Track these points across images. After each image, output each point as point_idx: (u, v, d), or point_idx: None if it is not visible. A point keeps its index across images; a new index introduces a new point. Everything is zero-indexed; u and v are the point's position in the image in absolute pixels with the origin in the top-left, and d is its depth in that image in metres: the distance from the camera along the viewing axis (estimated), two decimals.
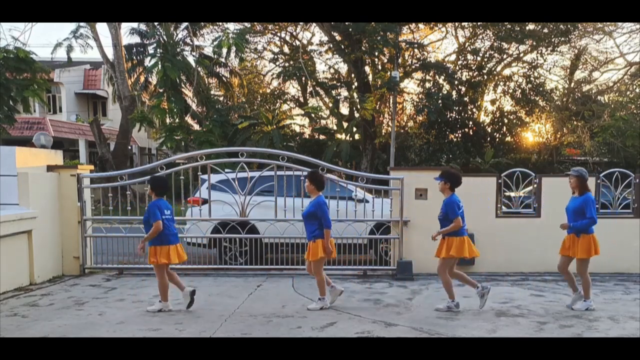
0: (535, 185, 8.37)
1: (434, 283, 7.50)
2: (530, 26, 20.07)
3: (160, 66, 17.79)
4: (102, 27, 42.44)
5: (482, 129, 22.24)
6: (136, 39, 21.65)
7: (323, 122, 22.68)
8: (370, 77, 21.96)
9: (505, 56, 22.04)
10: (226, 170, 8.70)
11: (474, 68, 21.98)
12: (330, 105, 21.82)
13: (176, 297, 6.60)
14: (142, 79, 22.17)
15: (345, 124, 20.73)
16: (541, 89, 21.68)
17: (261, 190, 8.17)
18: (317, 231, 6.03)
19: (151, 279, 7.70)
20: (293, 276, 7.89)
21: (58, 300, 6.42)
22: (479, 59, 21.76)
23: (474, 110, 22.19)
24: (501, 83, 22.60)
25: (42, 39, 58.12)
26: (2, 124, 15.51)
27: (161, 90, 18.56)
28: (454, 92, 21.22)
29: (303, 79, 21.06)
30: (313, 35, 23.74)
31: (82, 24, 19.82)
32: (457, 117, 21.51)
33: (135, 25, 21.27)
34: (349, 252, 8.21)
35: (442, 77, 20.73)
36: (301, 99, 24.25)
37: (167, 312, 5.88)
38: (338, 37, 20.56)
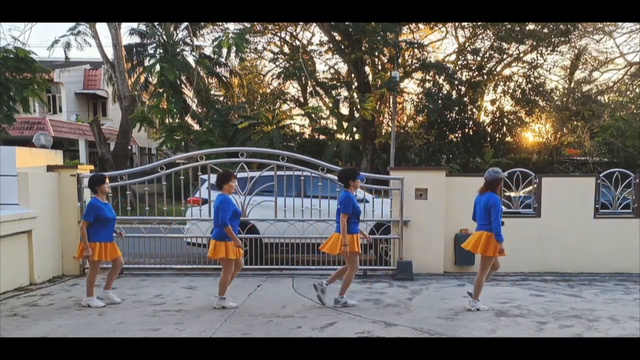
0: (535, 185, 8.37)
1: (433, 283, 7.50)
2: (530, 26, 20.06)
3: (158, 66, 17.79)
4: (102, 27, 42.51)
5: (482, 129, 22.23)
6: (136, 39, 21.68)
7: (323, 122, 22.68)
8: (370, 77, 21.96)
9: (505, 56, 22.04)
10: None
11: (474, 68, 21.97)
12: (330, 105, 21.82)
13: (176, 297, 6.62)
14: (142, 79, 22.16)
15: (345, 124, 20.73)
16: (541, 89, 21.66)
17: (261, 190, 8.17)
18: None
19: (151, 279, 7.72)
20: (293, 276, 7.89)
21: (58, 300, 6.42)
22: (479, 59, 21.76)
23: (474, 110, 22.18)
24: (501, 83, 22.59)
25: (42, 38, 58.14)
26: (1, 124, 15.50)
27: (160, 90, 18.56)
28: (454, 92, 21.21)
29: (303, 79, 21.06)
30: (313, 35, 23.79)
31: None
32: (457, 117, 21.51)
33: (135, 25, 21.30)
34: None
35: (442, 77, 20.72)
36: (301, 99, 24.25)
37: (166, 312, 5.88)
38: (338, 37, 20.56)
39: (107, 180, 6.34)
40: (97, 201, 6.12)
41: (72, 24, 19.91)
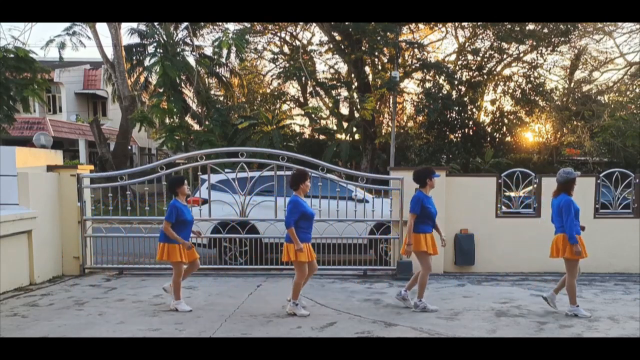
0: (535, 185, 8.37)
1: (433, 283, 7.50)
2: (530, 26, 20.05)
3: (160, 66, 17.79)
4: (102, 27, 42.46)
5: (482, 129, 22.22)
6: (136, 39, 21.68)
7: (323, 122, 22.68)
8: (370, 77, 21.95)
9: (505, 56, 22.02)
10: (226, 170, 8.71)
11: (474, 68, 21.95)
12: (330, 105, 21.82)
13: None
14: (142, 79, 22.15)
15: (345, 124, 20.73)
16: (541, 89, 21.64)
17: (261, 190, 8.17)
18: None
19: (151, 279, 7.71)
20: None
21: (58, 300, 6.42)
22: (479, 59, 21.74)
23: (474, 110, 22.15)
24: (501, 83, 22.58)
25: (42, 38, 58.09)
26: (1, 124, 15.51)
27: (161, 90, 18.56)
28: (454, 92, 21.21)
29: (303, 79, 21.06)
30: (313, 35, 23.78)
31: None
32: (457, 117, 21.49)
33: (135, 25, 21.29)
34: (349, 252, 8.20)
35: (442, 77, 20.72)
36: (301, 99, 24.25)
37: (166, 312, 5.88)
38: (338, 37, 20.56)
39: (186, 182, 6.23)
40: (178, 202, 5.97)
41: (67, 24, 19.86)
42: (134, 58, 21.69)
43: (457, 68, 21.91)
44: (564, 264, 8.19)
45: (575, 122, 21.06)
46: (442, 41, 24.12)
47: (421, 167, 6.56)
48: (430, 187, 6.10)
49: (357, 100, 20.48)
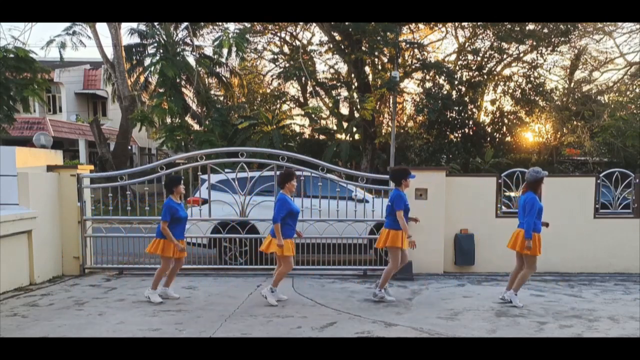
0: None
1: (433, 283, 7.50)
2: (530, 26, 20.07)
3: (158, 65, 17.80)
4: (102, 27, 42.51)
5: (482, 129, 22.22)
6: (136, 39, 21.68)
7: (323, 122, 22.69)
8: (370, 77, 21.96)
9: (505, 56, 22.03)
10: (226, 170, 8.71)
11: (474, 68, 21.97)
12: (330, 105, 21.83)
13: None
14: (142, 79, 22.15)
15: (345, 124, 20.74)
16: (541, 89, 21.65)
17: (261, 190, 8.18)
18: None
19: (151, 279, 7.67)
20: (293, 276, 7.88)
21: (58, 300, 6.42)
22: (479, 59, 21.76)
23: (474, 110, 22.17)
24: (501, 83, 22.59)
25: (42, 38, 58.07)
26: (2, 124, 15.51)
27: (161, 90, 18.57)
28: (454, 92, 21.21)
29: (303, 79, 21.07)
30: (313, 35, 23.82)
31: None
32: (457, 117, 21.50)
33: (135, 25, 21.30)
34: (349, 252, 8.21)
35: (442, 77, 20.73)
36: (301, 99, 24.26)
37: (166, 312, 5.88)
38: (338, 37, 20.57)
39: (182, 181, 6.49)
40: (172, 201, 6.25)
41: (67, 24, 19.86)
42: (134, 58, 21.70)
43: (457, 68, 21.92)
44: (562, 264, 8.23)
45: (575, 122, 21.07)
46: (442, 41, 24.20)
47: (397, 167, 6.78)
48: (405, 186, 6.41)
49: (357, 100, 20.49)
